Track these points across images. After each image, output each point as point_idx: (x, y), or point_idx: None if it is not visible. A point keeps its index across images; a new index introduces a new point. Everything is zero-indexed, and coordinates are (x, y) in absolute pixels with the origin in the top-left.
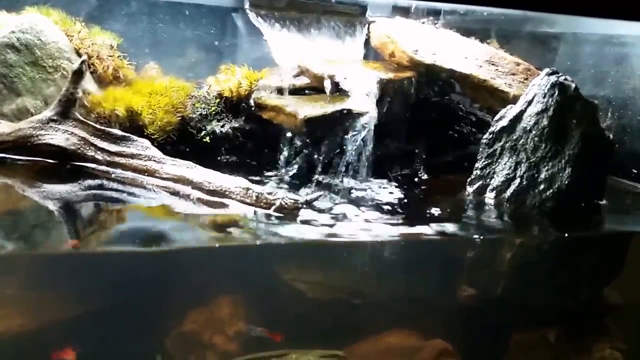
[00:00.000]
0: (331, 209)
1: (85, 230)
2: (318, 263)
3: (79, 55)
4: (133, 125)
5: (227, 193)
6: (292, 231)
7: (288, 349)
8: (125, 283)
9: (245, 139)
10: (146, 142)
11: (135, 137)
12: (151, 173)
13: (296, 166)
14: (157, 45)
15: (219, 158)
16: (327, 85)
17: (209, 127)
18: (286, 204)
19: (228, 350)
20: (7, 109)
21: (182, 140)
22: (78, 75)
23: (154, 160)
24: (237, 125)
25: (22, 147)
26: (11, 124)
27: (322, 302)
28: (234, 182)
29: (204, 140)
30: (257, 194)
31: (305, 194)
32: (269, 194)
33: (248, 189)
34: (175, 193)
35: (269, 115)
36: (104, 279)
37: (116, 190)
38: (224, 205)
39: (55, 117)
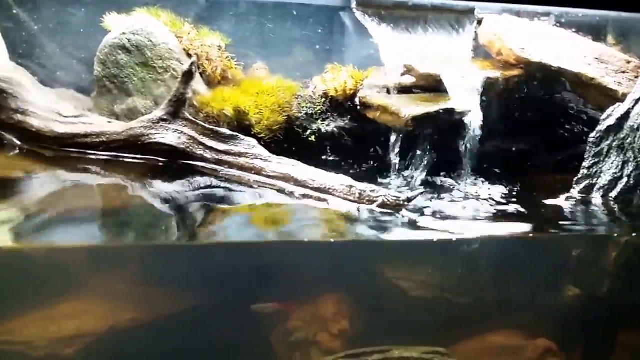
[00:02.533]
0: (435, 206)
1: (194, 224)
2: (421, 261)
3: (189, 56)
4: (240, 124)
5: (330, 190)
6: (396, 229)
7: (391, 345)
8: (232, 278)
9: (350, 138)
10: (253, 141)
11: (242, 136)
12: (257, 171)
13: (400, 164)
14: (265, 46)
15: (323, 157)
16: (432, 84)
17: (314, 127)
18: (388, 201)
19: (332, 347)
20: (118, 109)
21: (288, 139)
22: (188, 76)
23: (260, 159)
24: (342, 124)
25: (133, 146)
26: (122, 123)
27: (425, 301)
28: (337, 180)
29: (310, 139)
30: (360, 191)
31: (407, 191)
32: (372, 191)
33: (351, 186)
34: (280, 190)
35: (373, 115)
36: (212, 273)
37: (224, 187)
38: (327, 202)
39: (165, 117)
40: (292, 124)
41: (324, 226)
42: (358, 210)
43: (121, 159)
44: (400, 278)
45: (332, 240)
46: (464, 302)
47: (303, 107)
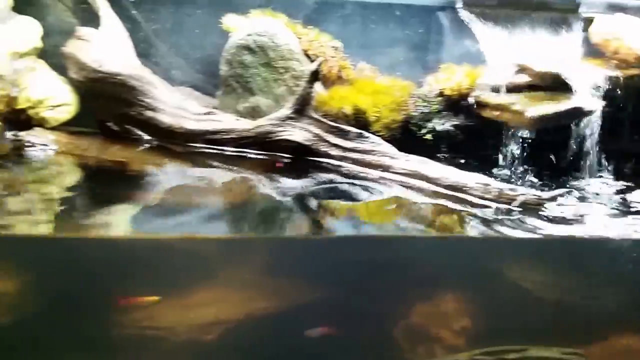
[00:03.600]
0: (565, 206)
1: (320, 218)
2: (545, 261)
3: (307, 56)
4: (358, 122)
5: (464, 188)
6: (521, 228)
7: (526, 345)
8: (355, 271)
9: (465, 137)
10: (378, 139)
11: (367, 134)
12: (385, 168)
13: (520, 163)
14: (369, 45)
15: (438, 155)
16: (549, 82)
17: (429, 125)
18: (528, 200)
19: (455, 344)
20: (241, 107)
21: (403, 137)
22: (314, 75)
23: (388, 156)
24: (457, 122)
25: (261, 142)
26: (251, 121)
27: (550, 302)
28: (472, 178)
29: (426, 137)
30: (498, 190)
31: (548, 190)
32: (510, 189)
33: (487, 184)
34: (410, 187)
35: (490, 114)
36: (336, 266)
37: (349, 183)
38: (461, 200)
39: (292, 115)
40: (408, 122)
41: (449, 223)
42: (496, 209)
43: (245, 155)
44: (523, 279)
45: (453, 236)
46: (592, 304)
47: (419, 105)
